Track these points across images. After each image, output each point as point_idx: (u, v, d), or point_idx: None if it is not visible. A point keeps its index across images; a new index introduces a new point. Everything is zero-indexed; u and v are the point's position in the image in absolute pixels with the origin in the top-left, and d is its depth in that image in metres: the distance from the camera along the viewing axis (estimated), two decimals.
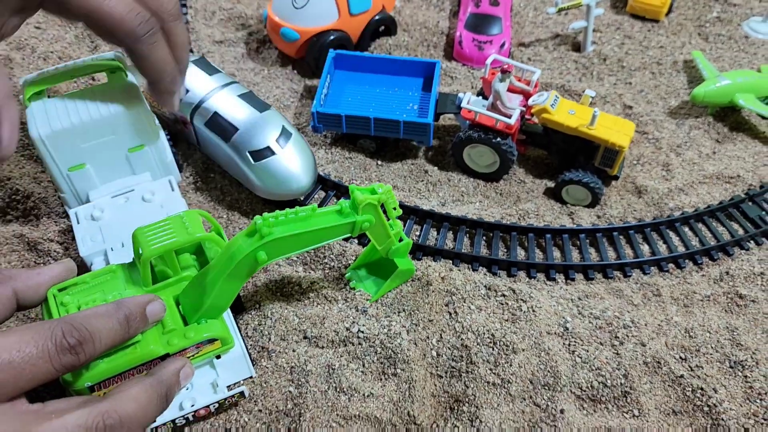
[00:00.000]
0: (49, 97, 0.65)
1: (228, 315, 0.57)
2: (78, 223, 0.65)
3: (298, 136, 0.74)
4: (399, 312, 0.66)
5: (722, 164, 0.82)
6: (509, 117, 0.75)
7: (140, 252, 0.53)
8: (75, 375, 0.48)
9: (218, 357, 0.57)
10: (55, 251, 0.70)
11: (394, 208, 0.59)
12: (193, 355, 0.54)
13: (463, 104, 0.77)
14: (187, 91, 0.74)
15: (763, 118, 0.86)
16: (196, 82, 0.75)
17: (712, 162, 0.82)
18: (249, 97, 0.74)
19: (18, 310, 0.51)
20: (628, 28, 1.01)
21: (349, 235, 0.58)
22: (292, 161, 0.71)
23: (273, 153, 0.71)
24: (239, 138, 0.71)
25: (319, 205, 0.70)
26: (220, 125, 0.72)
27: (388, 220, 0.61)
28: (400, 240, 0.64)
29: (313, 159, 0.74)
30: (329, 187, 0.77)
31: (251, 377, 0.58)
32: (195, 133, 0.76)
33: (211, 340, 0.54)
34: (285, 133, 0.72)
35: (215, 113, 0.72)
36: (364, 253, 0.68)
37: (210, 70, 0.76)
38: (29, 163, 0.78)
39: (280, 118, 0.74)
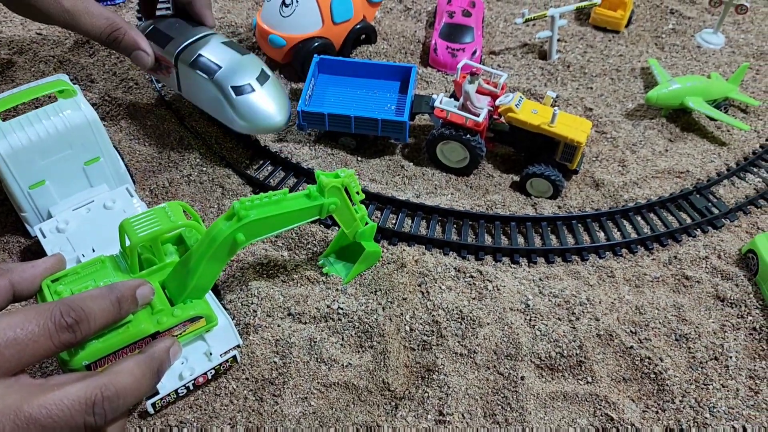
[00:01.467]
0: (3, 120, 0.69)
1: (210, 295, 0.63)
2: (44, 237, 0.69)
3: (275, 79, 0.82)
4: (375, 291, 0.72)
5: (673, 161, 0.89)
6: (478, 115, 0.82)
7: (127, 241, 0.58)
8: (72, 354, 0.52)
9: (207, 332, 0.62)
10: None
11: (357, 192, 0.65)
12: (180, 333, 0.59)
13: (437, 104, 0.83)
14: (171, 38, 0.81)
15: (711, 119, 0.94)
16: (181, 30, 0.82)
17: (664, 159, 0.90)
18: (230, 44, 0.81)
19: (14, 302, 0.55)
20: (591, 38, 1.09)
21: (317, 217, 0.63)
22: (270, 99, 0.79)
23: (253, 89, 0.78)
24: (222, 74, 0.78)
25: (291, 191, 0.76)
26: (204, 64, 0.79)
27: (353, 205, 0.66)
28: (366, 224, 0.69)
29: (288, 100, 0.82)
30: (302, 174, 0.85)
31: (239, 345, 0.63)
32: (177, 77, 0.82)
33: (197, 318, 0.59)
34: (263, 75, 0.80)
35: (199, 54, 0.79)
36: (334, 241, 0.74)
37: (193, 23, 0.83)
38: None
39: (259, 62, 0.81)
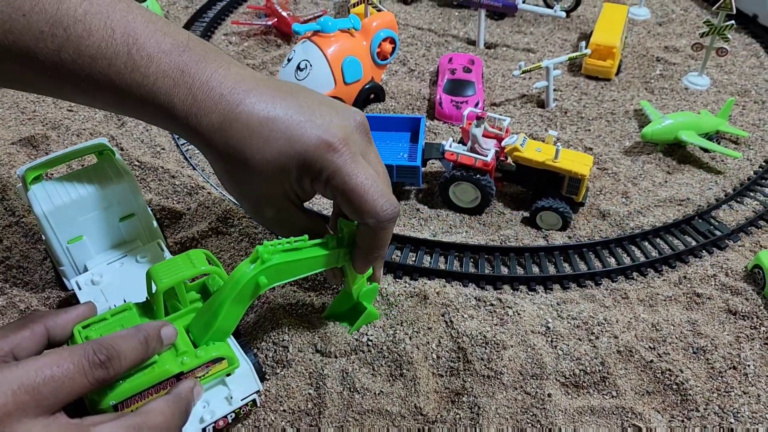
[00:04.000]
0: (47, 179, 0.74)
1: (231, 339, 0.65)
2: (80, 289, 0.73)
3: None
4: (401, 323, 0.75)
5: (674, 190, 0.94)
6: (486, 156, 0.87)
7: (153, 287, 0.61)
8: (101, 394, 0.54)
9: (228, 375, 0.64)
10: None
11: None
12: (203, 375, 0.61)
13: (447, 148, 0.89)
14: None
15: (705, 150, 0.99)
16: None
17: (664, 189, 0.95)
18: None
19: (48, 347, 0.57)
20: (584, 86, 1.16)
21: (335, 265, 0.66)
22: None
23: None
24: None
25: None
26: None
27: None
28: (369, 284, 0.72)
29: None
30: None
31: (258, 391, 0.65)
32: None
33: (219, 360, 0.61)
34: None
35: None
36: (333, 303, 0.76)
37: None
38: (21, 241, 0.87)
39: None
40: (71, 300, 0.80)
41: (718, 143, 1.00)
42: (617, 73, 1.18)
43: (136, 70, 0.56)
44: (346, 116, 0.60)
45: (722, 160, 0.99)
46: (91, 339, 0.57)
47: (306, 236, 0.64)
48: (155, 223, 0.81)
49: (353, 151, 0.58)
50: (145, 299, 0.65)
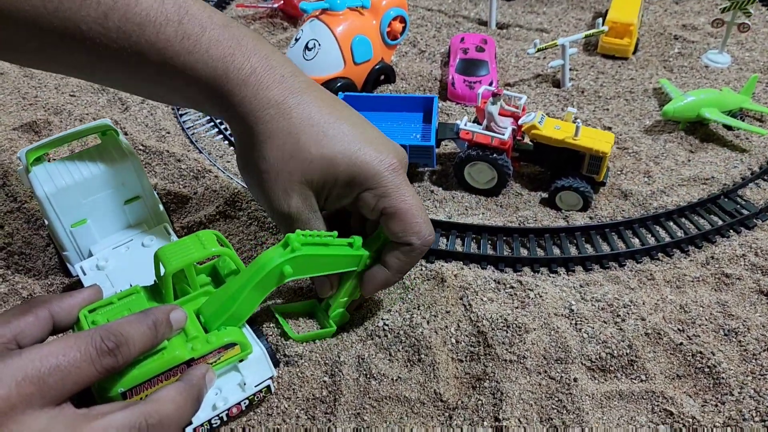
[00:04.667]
0: (49, 161, 0.71)
1: (245, 325, 0.62)
2: (85, 274, 0.71)
3: None
4: (418, 307, 0.72)
5: (697, 169, 0.91)
6: (503, 134, 0.84)
7: (162, 270, 0.59)
8: (109, 382, 0.52)
9: (241, 361, 0.62)
10: None
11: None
12: (215, 361, 0.58)
13: (462, 127, 0.86)
14: None
15: (729, 128, 0.96)
16: None
17: (687, 168, 0.91)
18: None
19: (53, 333, 0.55)
20: (601, 66, 1.13)
21: (355, 268, 0.64)
22: None
23: None
24: None
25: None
26: None
27: None
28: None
29: None
30: None
31: (272, 377, 0.62)
32: None
33: (231, 346, 0.59)
34: None
35: None
36: (299, 305, 0.72)
37: None
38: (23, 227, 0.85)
39: None
40: (75, 286, 0.77)
41: (742, 121, 0.97)
42: (634, 52, 1.14)
43: (187, 38, 0.53)
44: (395, 150, 0.61)
45: (747, 138, 0.96)
46: (97, 324, 0.55)
47: (336, 232, 0.61)
48: (161, 207, 0.78)
49: (406, 176, 0.60)
50: (153, 282, 0.62)
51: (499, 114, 0.87)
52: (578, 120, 0.82)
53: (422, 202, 0.64)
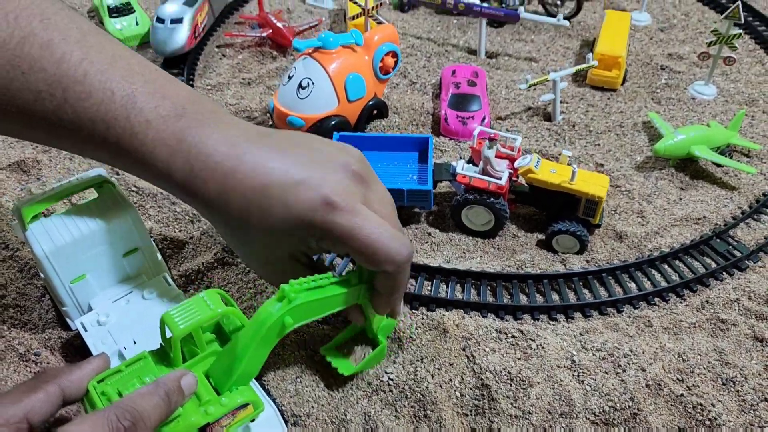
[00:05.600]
0: (45, 216, 0.70)
1: (253, 382, 0.62)
2: (86, 331, 0.70)
3: None
4: (422, 359, 0.72)
5: (689, 208, 0.92)
6: (500, 179, 0.85)
7: (168, 333, 0.58)
8: None
9: (252, 420, 0.61)
10: (50, 362, 0.73)
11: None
12: (229, 423, 0.58)
13: (459, 171, 0.86)
14: None
15: (718, 165, 0.98)
16: None
17: (679, 207, 0.93)
18: None
19: (63, 405, 0.54)
20: (590, 98, 1.14)
21: (356, 302, 0.64)
22: None
23: None
24: None
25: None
26: None
27: None
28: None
29: None
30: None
31: None
32: None
33: (244, 405, 0.58)
34: None
35: None
36: (343, 334, 0.73)
37: None
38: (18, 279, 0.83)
39: None
40: (74, 341, 0.76)
41: (731, 156, 0.99)
42: (623, 83, 1.16)
43: (135, 136, 0.56)
44: (341, 167, 0.59)
45: (735, 175, 0.98)
46: (107, 395, 0.55)
47: (330, 273, 0.62)
48: (159, 256, 0.78)
49: (353, 205, 0.57)
50: (159, 345, 0.62)
51: (496, 156, 0.87)
52: (575, 166, 0.83)
53: (386, 216, 0.60)
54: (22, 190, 0.95)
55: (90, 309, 0.73)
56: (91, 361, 0.58)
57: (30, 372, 0.72)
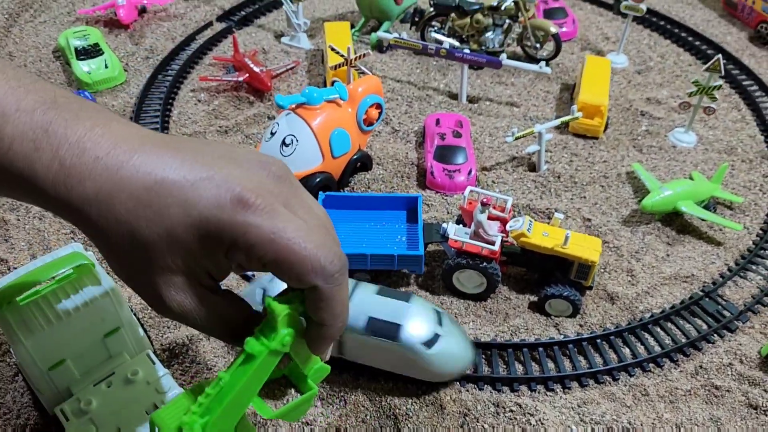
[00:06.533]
0: (19, 301, 0.66)
1: None
2: (67, 420, 0.66)
3: (444, 312, 0.77)
4: None
5: (677, 265, 0.93)
6: (493, 244, 0.83)
7: None
8: None
9: None
10: None
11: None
12: None
13: (450, 235, 0.85)
14: None
15: (703, 220, 0.98)
16: None
17: (668, 264, 0.93)
18: (385, 291, 0.76)
19: None
20: (573, 146, 1.14)
21: (278, 361, 0.50)
22: (457, 337, 0.74)
23: (440, 335, 0.73)
24: (405, 333, 0.72)
25: None
26: (381, 328, 0.72)
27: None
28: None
29: (461, 328, 0.78)
30: None
31: None
32: (340, 345, 0.76)
33: None
34: (437, 313, 0.75)
35: (370, 318, 0.73)
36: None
37: None
38: None
39: (424, 301, 0.76)
40: (51, 428, 0.71)
41: (715, 210, 0.99)
42: (604, 130, 1.16)
43: None
44: (257, 165, 0.48)
45: (720, 230, 0.98)
46: None
47: (221, 372, 0.49)
48: (142, 332, 0.74)
49: (272, 205, 0.45)
50: None
51: (488, 219, 0.86)
52: (569, 232, 0.82)
53: (313, 223, 0.47)
54: None
55: (69, 394, 0.69)
56: None
57: None
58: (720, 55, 1.04)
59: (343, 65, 1.09)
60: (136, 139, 0.46)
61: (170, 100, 1.21)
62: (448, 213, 1.00)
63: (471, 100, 1.24)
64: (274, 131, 0.96)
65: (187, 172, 0.45)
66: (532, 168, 1.08)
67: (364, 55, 1.08)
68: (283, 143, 0.95)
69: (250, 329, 0.48)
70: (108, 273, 0.84)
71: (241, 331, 0.48)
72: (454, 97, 1.24)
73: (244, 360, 0.47)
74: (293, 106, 0.96)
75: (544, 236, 0.84)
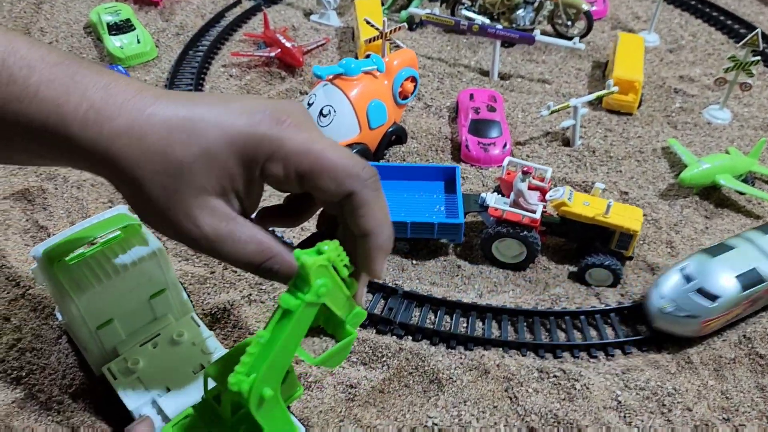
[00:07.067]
0: (68, 261, 0.66)
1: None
2: (115, 379, 0.66)
3: None
4: (465, 401, 0.71)
5: (716, 238, 0.92)
6: (534, 212, 0.83)
7: (210, 385, 0.55)
8: None
9: None
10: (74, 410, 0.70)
11: (346, 266, 0.49)
12: None
13: (490, 204, 0.85)
14: None
15: (741, 194, 0.98)
16: None
17: (707, 236, 0.92)
18: None
19: None
20: (607, 122, 1.13)
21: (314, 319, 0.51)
22: None
23: None
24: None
25: None
26: None
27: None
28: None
29: None
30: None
31: None
32: None
33: None
34: None
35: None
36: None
37: None
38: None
39: None
40: (98, 387, 0.72)
41: (753, 184, 0.99)
42: (638, 106, 1.15)
43: (13, 82, 0.45)
44: (278, 101, 0.51)
45: (758, 203, 0.98)
46: None
47: (260, 331, 0.49)
48: (185, 295, 0.75)
49: (300, 122, 0.47)
50: (201, 398, 0.58)
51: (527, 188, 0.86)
52: (611, 200, 0.82)
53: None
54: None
55: (115, 354, 0.70)
56: (136, 429, 0.55)
57: (52, 422, 0.69)
58: (759, 30, 1.03)
59: (377, 39, 1.09)
60: (157, 90, 0.48)
61: (202, 76, 1.21)
62: (483, 186, 1.00)
63: (502, 77, 1.24)
64: (311, 102, 0.97)
65: (217, 103, 0.47)
66: (566, 143, 1.08)
67: (399, 28, 1.07)
68: (321, 114, 0.95)
69: (279, 260, 0.49)
70: (154, 233, 0.85)
71: (269, 262, 0.49)
72: (485, 74, 1.24)
73: (281, 316, 0.48)
74: (330, 77, 0.96)
75: (584, 206, 0.84)
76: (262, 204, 0.52)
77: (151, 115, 0.46)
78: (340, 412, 0.69)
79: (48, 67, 0.46)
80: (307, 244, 0.51)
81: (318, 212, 0.55)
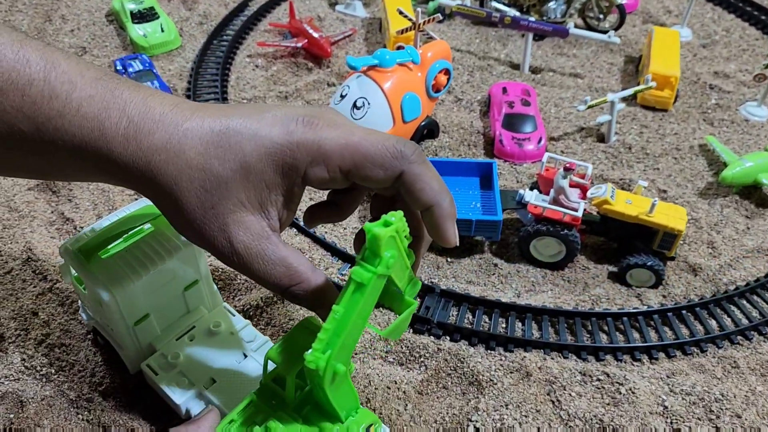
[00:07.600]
0: (101, 255, 0.64)
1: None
2: (156, 374, 0.65)
3: None
4: (506, 405, 0.69)
5: (759, 238, 0.90)
6: (575, 210, 0.81)
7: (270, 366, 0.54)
8: None
9: None
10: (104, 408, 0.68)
11: (406, 236, 0.48)
12: None
13: (530, 201, 0.82)
14: None
15: None
16: None
17: (749, 237, 0.90)
18: None
19: None
20: (642, 118, 1.11)
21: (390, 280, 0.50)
22: None
23: None
24: None
25: None
26: None
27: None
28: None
29: None
30: None
31: None
32: None
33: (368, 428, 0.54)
34: None
35: None
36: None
37: None
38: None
39: None
40: (128, 384, 0.70)
41: None
42: (674, 102, 1.13)
43: (56, 98, 0.46)
44: (305, 107, 0.52)
45: None
46: None
47: (338, 303, 0.48)
48: (215, 286, 0.73)
49: (331, 121, 0.48)
50: (259, 383, 0.57)
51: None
52: (656, 199, 0.79)
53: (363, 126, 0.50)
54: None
55: (151, 350, 0.68)
56: (207, 418, 0.55)
57: (83, 420, 0.67)
58: None
59: (409, 30, 1.06)
60: (192, 104, 0.49)
61: (227, 65, 1.19)
62: (517, 182, 0.97)
63: (533, 70, 1.21)
64: (344, 94, 0.94)
65: (250, 115, 0.48)
66: (601, 139, 1.05)
67: (433, 18, 1.05)
68: (354, 106, 0.93)
69: (305, 287, 0.51)
70: None
71: (296, 287, 0.50)
72: (515, 67, 1.21)
73: (354, 290, 0.47)
74: (364, 68, 0.94)
75: (627, 204, 0.82)
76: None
77: (187, 130, 0.47)
78: (381, 403, 0.67)
79: (88, 83, 0.47)
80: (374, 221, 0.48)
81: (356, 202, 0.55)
